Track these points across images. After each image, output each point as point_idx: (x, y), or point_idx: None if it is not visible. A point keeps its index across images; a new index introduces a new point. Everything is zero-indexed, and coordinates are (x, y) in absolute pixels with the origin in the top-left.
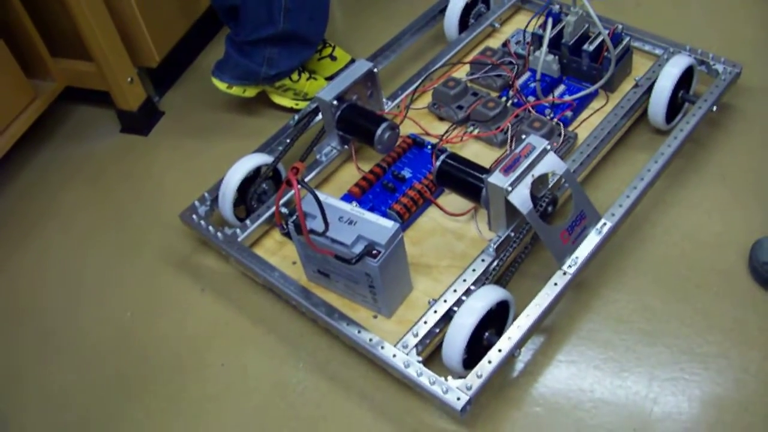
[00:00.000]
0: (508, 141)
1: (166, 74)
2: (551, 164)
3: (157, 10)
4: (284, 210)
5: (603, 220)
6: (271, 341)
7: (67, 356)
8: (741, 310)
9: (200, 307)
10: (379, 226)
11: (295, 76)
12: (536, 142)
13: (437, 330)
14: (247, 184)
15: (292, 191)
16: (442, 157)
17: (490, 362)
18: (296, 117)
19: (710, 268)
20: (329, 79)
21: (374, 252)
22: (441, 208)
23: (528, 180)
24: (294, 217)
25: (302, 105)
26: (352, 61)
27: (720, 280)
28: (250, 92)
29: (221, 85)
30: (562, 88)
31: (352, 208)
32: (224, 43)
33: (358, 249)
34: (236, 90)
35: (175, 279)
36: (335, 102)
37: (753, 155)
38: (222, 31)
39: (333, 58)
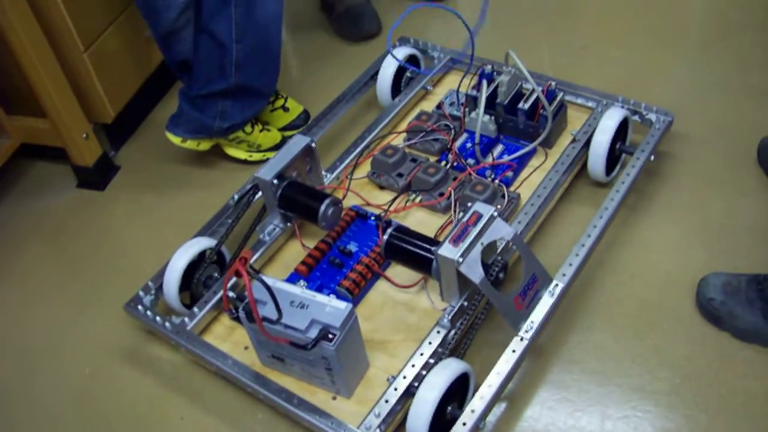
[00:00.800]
0: (452, 206)
1: (121, 129)
2: (499, 230)
3: (110, 66)
4: (232, 294)
5: (555, 282)
6: (224, 427)
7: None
8: (690, 346)
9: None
10: (332, 307)
11: (248, 129)
12: (483, 209)
13: (398, 407)
14: (191, 269)
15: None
16: (389, 231)
17: None
18: (236, 196)
19: (659, 306)
20: (282, 129)
21: (329, 336)
22: (391, 281)
23: (478, 249)
24: (244, 304)
25: (256, 156)
26: (305, 111)
27: (669, 318)
28: (204, 145)
29: (175, 140)
30: (500, 148)
31: (303, 291)
32: (177, 97)
33: (313, 334)
34: (190, 144)
35: (123, 368)
36: (275, 181)
37: (693, 198)
38: (176, 85)
39: (285, 109)
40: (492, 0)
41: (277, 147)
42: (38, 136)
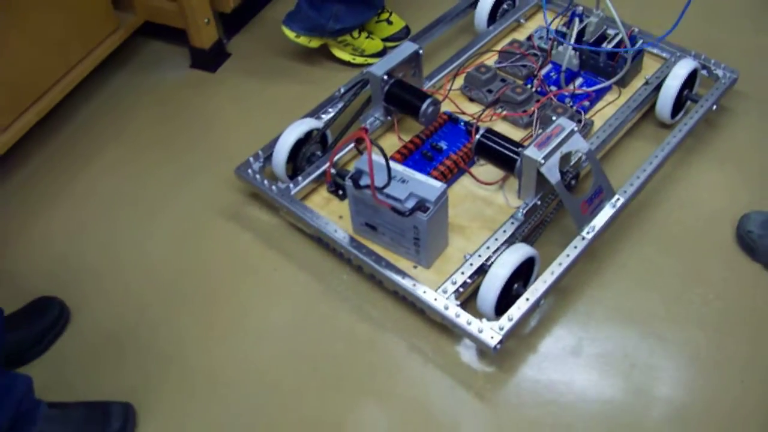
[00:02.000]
0: (534, 123)
1: (236, 20)
2: (577, 144)
3: None
4: (332, 170)
5: (617, 196)
6: (313, 282)
7: (131, 262)
8: (726, 271)
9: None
10: (429, 185)
11: (355, 34)
12: (565, 123)
13: (472, 280)
14: (298, 144)
15: (343, 152)
16: (481, 131)
17: (519, 308)
18: (342, 89)
19: (703, 234)
20: (385, 40)
21: (424, 207)
22: (474, 177)
23: (557, 155)
24: (352, 173)
25: (359, 60)
26: (406, 26)
27: (711, 245)
28: (315, 43)
29: (290, 34)
30: (580, 80)
31: (405, 169)
32: None
33: (410, 204)
34: (303, 40)
35: (224, 220)
36: (385, 77)
37: (744, 149)
38: None
39: (389, 22)
40: None
41: (378, 54)
42: (163, 16)
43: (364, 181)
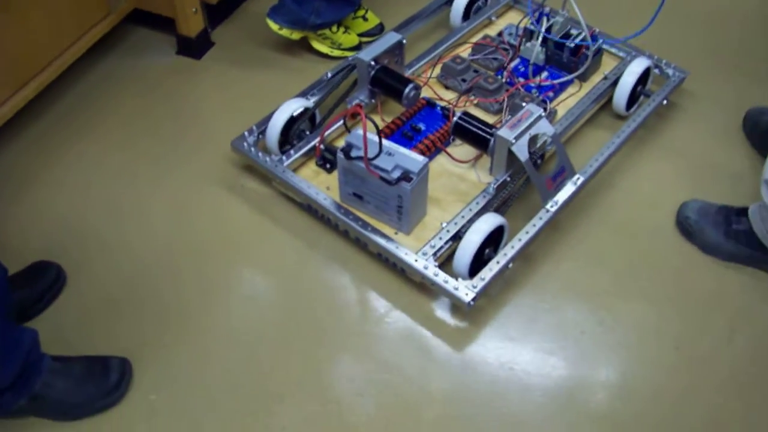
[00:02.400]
0: (504, 110)
1: (220, 10)
2: (544, 127)
3: None
4: (322, 146)
5: (578, 175)
6: (302, 246)
7: (130, 229)
8: (665, 252)
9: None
10: (412, 158)
11: (334, 28)
12: (534, 109)
13: (447, 245)
14: (290, 122)
15: (332, 129)
16: (458, 114)
17: (490, 270)
18: (329, 74)
19: (647, 219)
20: (360, 35)
21: (408, 178)
22: (450, 156)
23: (527, 137)
24: (344, 145)
25: (336, 53)
26: (380, 23)
27: (653, 229)
28: (296, 36)
29: (274, 26)
30: (545, 74)
31: (391, 144)
32: None
33: (396, 174)
34: (285, 32)
35: (218, 190)
36: (372, 63)
37: (687, 142)
38: None
39: (365, 19)
40: None
41: (354, 48)
42: (152, 4)
43: (355, 153)
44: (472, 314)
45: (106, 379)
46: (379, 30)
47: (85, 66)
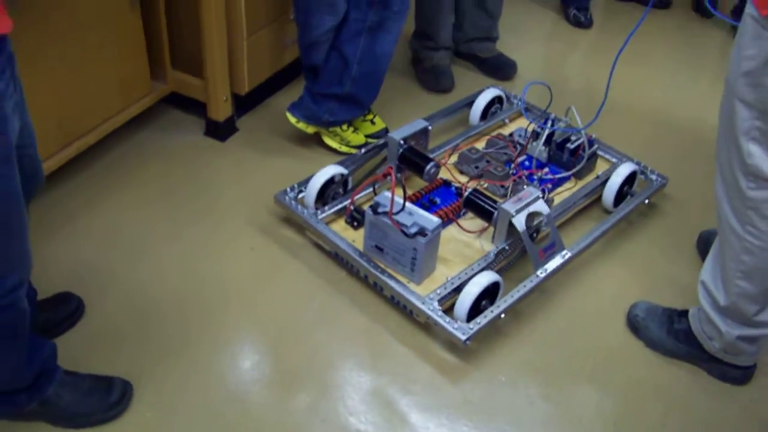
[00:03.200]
0: (508, 194)
1: (247, 102)
2: (540, 207)
3: (257, 54)
4: (352, 206)
5: (566, 251)
6: (326, 285)
7: (147, 268)
8: (615, 343)
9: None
10: (429, 219)
11: (344, 127)
12: (533, 191)
13: (451, 295)
14: (326, 183)
15: (362, 194)
16: (470, 190)
17: (485, 317)
18: (363, 150)
19: (606, 312)
20: (367, 136)
21: (424, 233)
22: (460, 226)
23: (525, 212)
24: (372, 203)
25: (344, 149)
26: (386, 128)
27: (607, 322)
28: (311, 130)
29: (292, 119)
30: (546, 169)
31: (411, 206)
32: (302, 90)
33: (414, 229)
34: (301, 125)
35: (227, 241)
36: (401, 141)
37: (650, 252)
38: (292, 83)
39: (373, 122)
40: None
41: (360, 147)
42: (189, 89)
43: (381, 209)
44: (466, 352)
45: (108, 396)
46: (384, 133)
47: (123, 135)
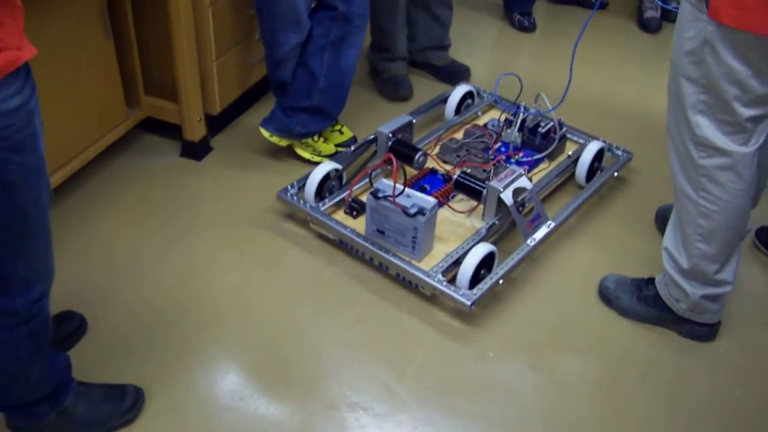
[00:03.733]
0: (490, 177)
1: (219, 121)
2: (523, 183)
3: (226, 75)
4: (350, 198)
5: (550, 221)
6: (331, 268)
7: (143, 281)
8: (589, 313)
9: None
10: (426, 200)
11: (315, 138)
12: (516, 168)
13: (452, 268)
14: (323, 179)
15: (358, 185)
16: (458, 173)
17: (485, 284)
18: (352, 148)
19: (580, 281)
20: (337, 145)
21: (423, 212)
22: (451, 207)
23: (511, 188)
24: (373, 189)
25: (316, 158)
26: (353, 136)
27: (582, 293)
28: (283, 143)
29: (265, 134)
30: (521, 153)
31: (408, 190)
32: (274, 105)
33: (414, 209)
34: (275, 139)
35: (214, 248)
36: (390, 134)
37: (614, 230)
38: (260, 101)
39: (341, 132)
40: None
41: (330, 155)
42: (163, 114)
43: (381, 195)
44: (469, 315)
45: (122, 403)
46: (352, 141)
47: (102, 161)
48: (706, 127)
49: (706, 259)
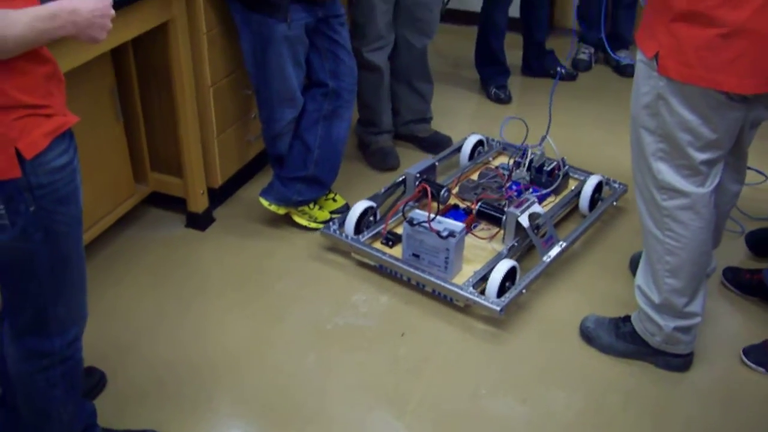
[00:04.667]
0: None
1: (220, 193)
2: (537, 208)
3: (227, 150)
4: (386, 230)
5: (561, 241)
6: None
7: (161, 339)
8: (573, 350)
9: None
10: (456, 225)
11: (311, 205)
12: (529, 196)
13: (480, 284)
14: (361, 215)
15: (392, 219)
16: (479, 203)
17: (511, 293)
18: (383, 189)
19: (559, 330)
20: (332, 212)
21: (454, 234)
22: (474, 235)
23: (527, 213)
24: (409, 217)
25: (312, 225)
26: (346, 204)
27: (570, 329)
28: (282, 211)
29: (265, 203)
30: (530, 189)
31: (439, 217)
32: (272, 177)
33: (446, 232)
34: (273, 207)
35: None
36: (418, 175)
37: (594, 276)
38: (258, 174)
39: (334, 200)
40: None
41: (325, 222)
42: (169, 188)
43: (416, 221)
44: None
45: None
46: (345, 209)
47: (112, 234)
48: (666, 172)
49: (675, 293)
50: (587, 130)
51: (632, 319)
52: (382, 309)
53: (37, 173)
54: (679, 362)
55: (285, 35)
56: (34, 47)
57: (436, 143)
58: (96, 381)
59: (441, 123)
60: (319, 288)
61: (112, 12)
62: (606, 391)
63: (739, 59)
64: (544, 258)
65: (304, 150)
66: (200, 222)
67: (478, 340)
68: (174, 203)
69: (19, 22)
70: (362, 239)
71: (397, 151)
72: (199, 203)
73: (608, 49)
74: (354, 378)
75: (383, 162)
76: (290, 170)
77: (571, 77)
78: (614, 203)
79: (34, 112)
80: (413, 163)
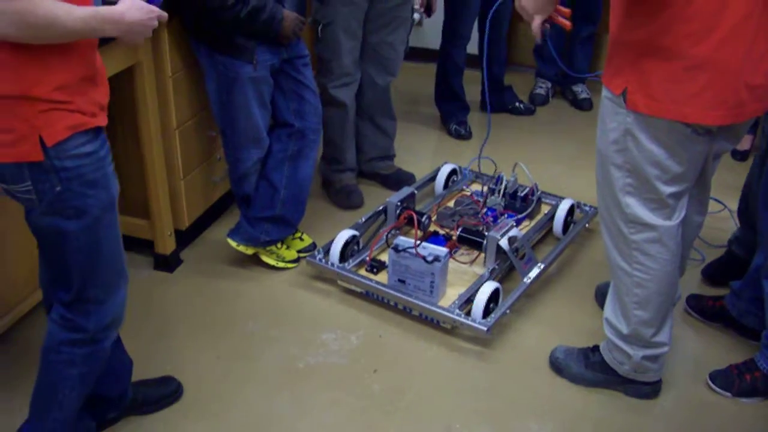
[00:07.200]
0: (484, 232)
1: (187, 235)
2: (515, 232)
3: (193, 192)
4: (370, 258)
5: (539, 263)
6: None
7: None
8: (543, 380)
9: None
10: (439, 250)
11: (279, 245)
12: (507, 221)
13: (465, 306)
14: (345, 244)
15: (376, 246)
16: (460, 229)
17: (495, 314)
18: (363, 218)
19: (529, 362)
20: (298, 251)
21: (438, 259)
22: (456, 260)
23: (507, 236)
24: (395, 243)
25: (280, 264)
26: (313, 242)
27: (540, 361)
28: (250, 251)
29: (233, 243)
30: (505, 215)
31: (423, 242)
32: (239, 218)
33: (431, 257)
34: (242, 248)
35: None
36: (398, 203)
37: (562, 308)
38: (224, 215)
39: (301, 239)
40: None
41: (293, 261)
42: (136, 230)
43: (401, 248)
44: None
45: None
46: (312, 247)
47: None
48: (635, 206)
49: (643, 325)
50: (548, 165)
51: (601, 348)
52: (353, 346)
53: (60, 158)
54: (648, 390)
55: (251, 76)
56: (82, 39)
57: (399, 180)
58: (174, 388)
59: (403, 159)
60: (290, 327)
61: (155, 23)
62: (577, 420)
63: (704, 92)
64: (525, 279)
65: (271, 190)
66: (168, 264)
67: (452, 370)
68: (141, 246)
69: (78, 16)
70: (348, 267)
71: (360, 189)
72: (167, 245)
73: (568, 72)
74: (328, 417)
75: (347, 200)
76: (257, 210)
77: (529, 112)
78: (587, 225)
79: (59, 107)
80: (377, 201)
